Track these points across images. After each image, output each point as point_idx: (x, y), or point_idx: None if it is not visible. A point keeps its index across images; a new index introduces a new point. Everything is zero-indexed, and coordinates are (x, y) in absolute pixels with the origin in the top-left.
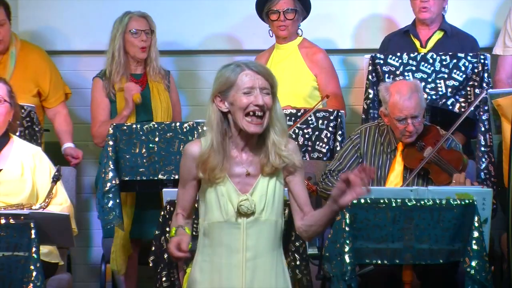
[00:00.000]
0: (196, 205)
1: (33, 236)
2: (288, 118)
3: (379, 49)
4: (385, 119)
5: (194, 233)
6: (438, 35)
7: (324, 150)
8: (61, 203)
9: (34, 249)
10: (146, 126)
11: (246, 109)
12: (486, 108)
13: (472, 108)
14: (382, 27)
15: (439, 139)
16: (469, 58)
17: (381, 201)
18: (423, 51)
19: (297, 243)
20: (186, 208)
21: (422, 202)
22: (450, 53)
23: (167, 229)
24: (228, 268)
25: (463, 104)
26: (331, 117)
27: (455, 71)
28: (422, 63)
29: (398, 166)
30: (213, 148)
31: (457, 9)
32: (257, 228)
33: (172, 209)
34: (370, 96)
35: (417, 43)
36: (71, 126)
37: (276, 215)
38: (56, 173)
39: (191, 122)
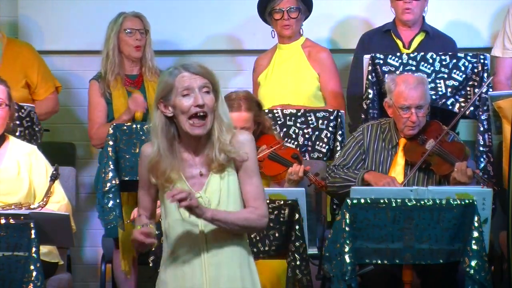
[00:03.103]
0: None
1: (33, 236)
2: (288, 118)
3: (357, 46)
4: (389, 110)
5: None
6: (421, 36)
7: (324, 150)
8: (58, 201)
9: (34, 249)
10: (146, 126)
11: (188, 112)
12: (485, 108)
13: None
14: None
15: (441, 132)
16: (468, 58)
17: (381, 201)
18: (406, 51)
19: (297, 243)
20: (148, 208)
21: (422, 202)
22: (450, 53)
23: None
24: (190, 266)
25: (463, 104)
26: (331, 117)
27: (454, 71)
28: (422, 63)
29: (399, 161)
30: (159, 154)
31: (454, 10)
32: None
33: None
34: (370, 96)
35: (400, 44)
36: (50, 110)
37: (233, 208)
38: (54, 172)
39: None
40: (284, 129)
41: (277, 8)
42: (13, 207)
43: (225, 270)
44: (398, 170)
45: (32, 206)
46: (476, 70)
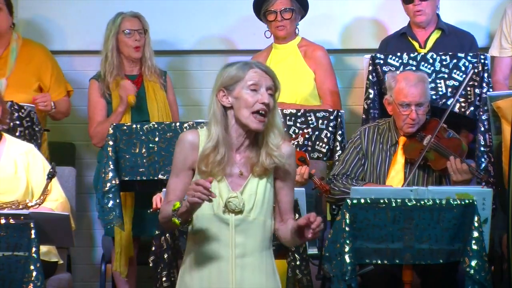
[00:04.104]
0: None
1: (33, 236)
2: (288, 118)
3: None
4: (388, 107)
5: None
6: (436, 34)
7: (324, 150)
8: (56, 199)
9: (34, 249)
10: (146, 126)
11: (251, 107)
12: (486, 108)
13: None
14: (380, 27)
15: (440, 130)
16: (469, 58)
17: (381, 201)
18: (422, 51)
19: None
20: (180, 197)
21: (422, 202)
22: (450, 53)
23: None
24: (217, 263)
25: (463, 104)
26: (331, 117)
27: (455, 71)
28: (422, 63)
29: (399, 159)
30: (218, 142)
31: (452, 10)
32: (245, 227)
33: None
34: (370, 96)
35: (416, 44)
36: (66, 110)
37: (264, 215)
38: (51, 170)
39: (191, 122)
40: (284, 129)
41: (270, 9)
42: (9, 205)
43: (251, 273)
44: (398, 168)
45: (29, 204)
46: (476, 70)
